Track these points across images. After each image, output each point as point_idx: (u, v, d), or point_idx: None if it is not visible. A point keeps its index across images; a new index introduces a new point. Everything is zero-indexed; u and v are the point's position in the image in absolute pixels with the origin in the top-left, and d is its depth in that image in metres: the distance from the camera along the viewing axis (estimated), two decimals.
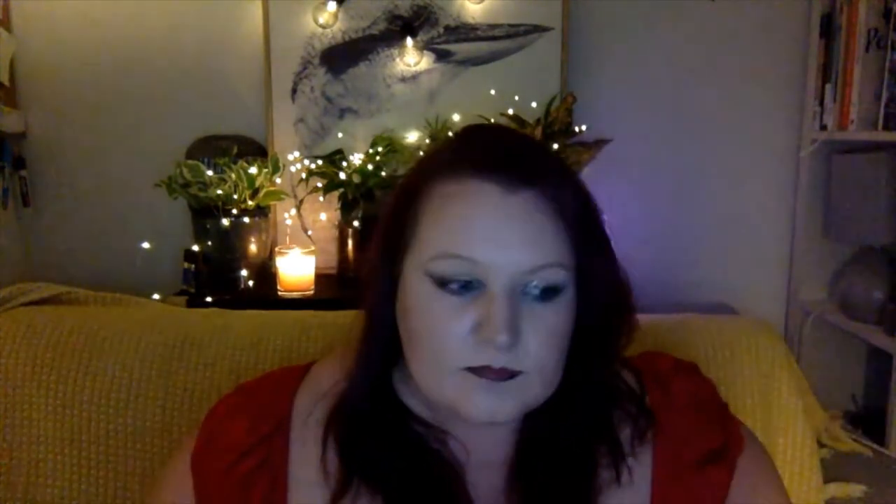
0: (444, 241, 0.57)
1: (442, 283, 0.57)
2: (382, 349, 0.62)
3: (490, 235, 0.56)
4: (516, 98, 1.81)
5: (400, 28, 1.86)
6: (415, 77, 1.89)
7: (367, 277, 0.64)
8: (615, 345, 0.64)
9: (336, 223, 1.83)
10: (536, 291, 0.57)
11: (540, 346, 0.56)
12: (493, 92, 1.85)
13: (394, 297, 0.61)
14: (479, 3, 1.86)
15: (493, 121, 1.77)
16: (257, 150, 1.88)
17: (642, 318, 0.67)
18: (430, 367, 0.58)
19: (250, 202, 1.70)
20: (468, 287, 0.56)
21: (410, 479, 0.61)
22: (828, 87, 1.84)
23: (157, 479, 0.72)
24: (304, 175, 1.81)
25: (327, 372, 0.67)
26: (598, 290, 0.60)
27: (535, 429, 0.63)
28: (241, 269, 1.70)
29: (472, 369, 0.56)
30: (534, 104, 1.79)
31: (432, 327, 0.57)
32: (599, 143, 1.72)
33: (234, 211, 1.67)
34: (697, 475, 0.63)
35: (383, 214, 0.63)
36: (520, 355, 0.56)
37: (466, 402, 0.56)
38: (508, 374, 0.56)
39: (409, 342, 0.59)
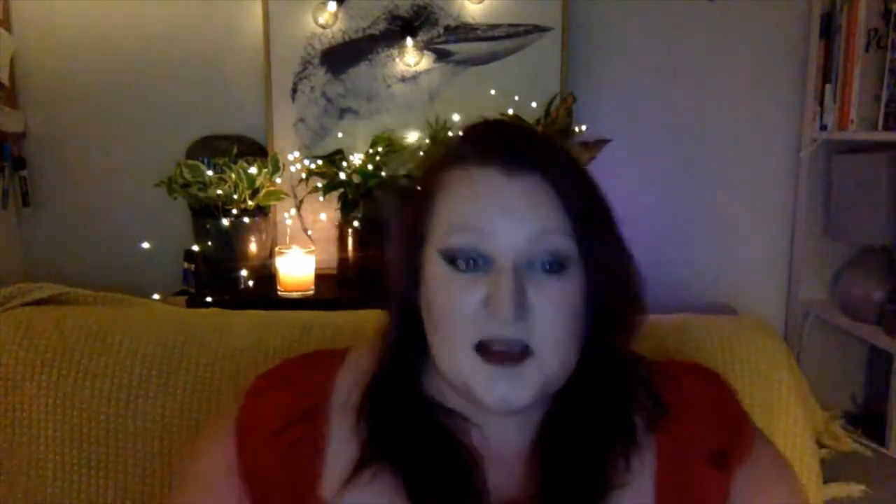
0: (453, 218, 0.61)
1: (453, 260, 0.60)
2: (408, 340, 0.65)
3: (494, 207, 0.59)
4: (516, 98, 1.81)
5: (400, 28, 1.86)
6: (415, 77, 1.89)
7: (389, 274, 0.67)
8: (625, 332, 0.66)
9: (336, 223, 1.83)
10: (544, 264, 0.59)
11: (553, 318, 0.58)
12: (493, 92, 1.85)
13: (416, 288, 0.65)
14: (479, 3, 1.86)
15: None
16: (257, 150, 1.88)
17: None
18: (446, 346, 0.61)
19: (250, 202, 1.70)
20: (477, 264, 0.59)
21: (430, 463, 0.63)
22: (828, 87, 1.84)
23: (195, 443, 0.73)
24: (304, 175, 1.81)
25: (364, 359, 0.70)
26: (605, 275, 0.62)
27: (554, 419, 0.65)
28: (241, 269, 1.70)
29: (482, 348, 0.58)
30: (534, 104, 1.79)
31: (446, 305, 0.60)
32: (599, 143, 1.72)
33: (234, 211, 1.67)
34: (698, 473, 0.64)
35: (401, 211, 0.67)
36: (533, 328, 0.58)
37: (480, 387, 0.59)
38: (521, 352, 0.58)
39: (430, 326, 0.62)
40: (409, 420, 0.65)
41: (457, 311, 0.59)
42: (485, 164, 0.61)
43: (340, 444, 0.65)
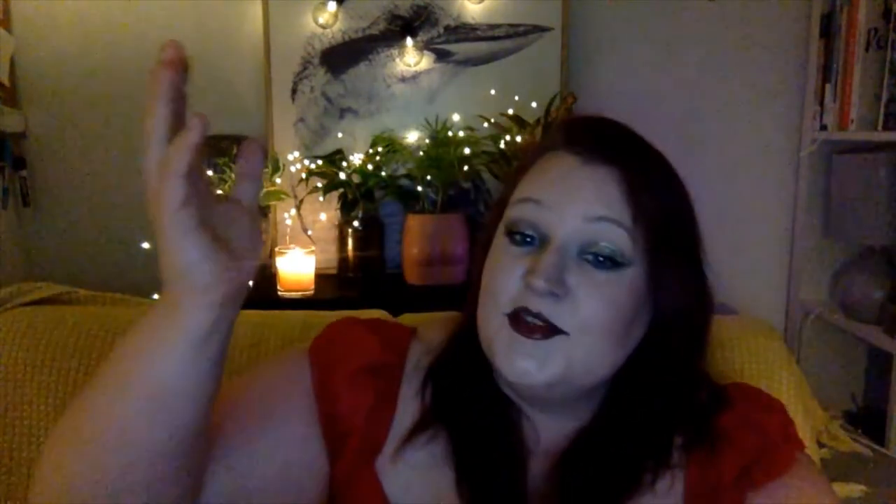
0: (522, 192, 0.62)
1: (512, 233, 0.61)
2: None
3: (560, 185, 0.60)
4: (516, 98, 1.81)
5: (400, 28, 1.86)
6: (415, 77, 1.89)
7: (477, 252, 0.68)
8: (687, 360, 0.64)
9: (336, 223, 1.83)
10: (597, 256, 0.58)
11: (591, 307, 0.57)
12: (493, 92, 1.85)
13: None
14: (479, 3, 1.86)
15: (493, 121, 1.78)
16: None
17: None
18: (483, 313, 0.61)
19: None
20: (533, 240, 0.60)
21: (481, 442, 0.63)
22: (828, 87, 1.84)
23: (259, 368, 0.72)
24: (304, 175, 1.81)
25: (434, 332, 0.71)
26: (666, 289, 0.60)
27: (594, 426, 0.64)
28: None
29: (511, 318, 0.58)
30: (534, 104, 1.79)
31: (493, 275, 0.61)
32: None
33: None
34: (727, 498, 0.62)
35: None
36: (566, 311, 0.57)
37: (503, 355, 0.58)
38: (546, 328, 0.57)
39: (480, 294, 0.63)
40: (470, 395, 0.65)
41: (499, 282, 0.60)
42: (568, 150, 0.62)
43: (406, 406, 0.66)
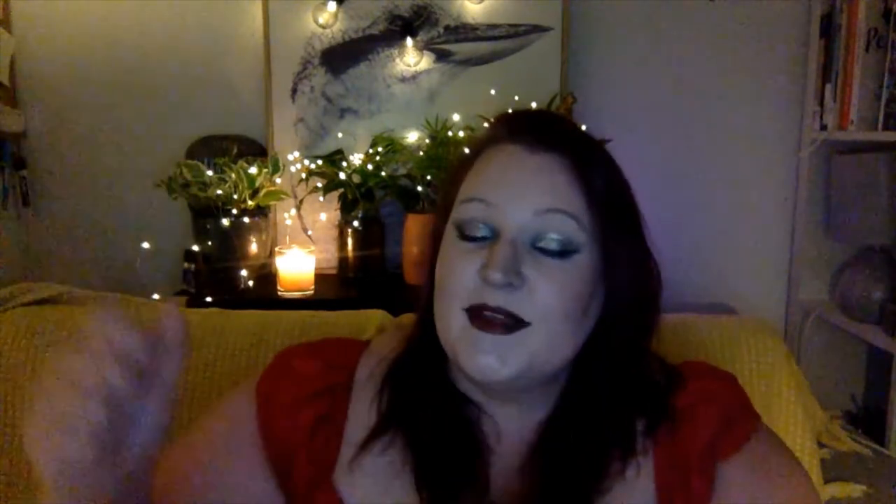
0: (468, 190, 0.63)
1: (462, 230, 0.61)
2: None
3: (507, 180, 0.61)
4: (516, 98, 1.81)
5: (400, 28, 1.86)
6: (415, 77, 1.89)
7: (426, 253, 0.68)
8: (636, 333, 0.65)
9: (336, 223, 1.83)
10: (549, 245, 0.59)
11: (548, 295, 0.58)
12: (493, 92, 1.85)
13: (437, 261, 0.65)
14: (479, 3, 1.86)
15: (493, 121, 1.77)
16: (257, 150, 1.88)
17: None
18: (441, 312, 0.61)
19: (250, 202, 1.70)
20: (484, 236, 0.60)
21: (440, 443, 0.63)
22: (828, 87, 1.84)
23: (215, 403, 0.73)
24: (304, 175, 1.81)
25: (388, 342, 0.72)
26: (618, 271, 0.62)
27: (557, 417, 0.64)
28: (241, 269, 1.70)
29: (471, 313, 0.58)
30: (534, 104, 1.79)
31: (448, 272, 0.61)
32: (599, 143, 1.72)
33: (234, 211, 1.67)
34: (696, 470, 0.62)
35: (439, 189, 0.69)
36: (524, 301, 0.58)
37: (465, 352, 0.59)
38: (507, 321, 0.57)
39: (435, 296, 0.63)
40: (427, 397, 0.65)
41: (455, 278, 0.60)
42: (512, 141, 0.62)
43: (359, 417, 0.67)
